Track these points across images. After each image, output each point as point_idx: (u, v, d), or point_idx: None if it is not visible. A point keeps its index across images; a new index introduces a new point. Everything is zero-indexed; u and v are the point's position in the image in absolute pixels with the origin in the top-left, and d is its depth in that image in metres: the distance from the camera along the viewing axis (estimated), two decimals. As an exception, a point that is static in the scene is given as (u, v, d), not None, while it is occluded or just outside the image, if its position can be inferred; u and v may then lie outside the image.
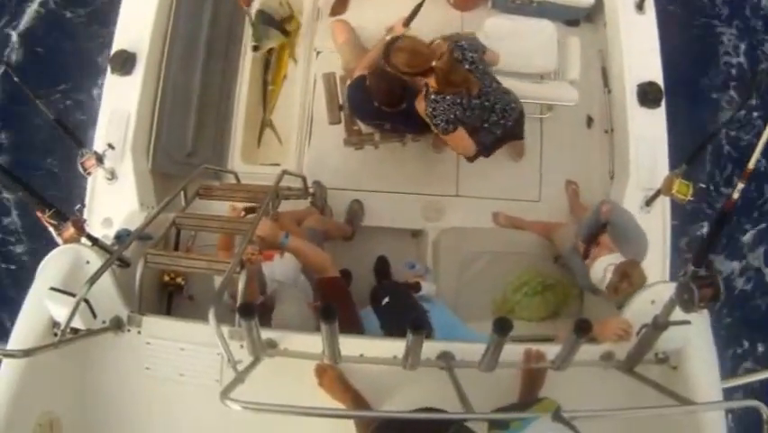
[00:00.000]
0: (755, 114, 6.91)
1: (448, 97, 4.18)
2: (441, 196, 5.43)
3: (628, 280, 3.65)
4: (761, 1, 7.48)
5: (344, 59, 5.20)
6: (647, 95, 4.93)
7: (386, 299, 3.64)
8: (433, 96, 4.20)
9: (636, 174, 4.78)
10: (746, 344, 6.65)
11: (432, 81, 4.15)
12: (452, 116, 4.22)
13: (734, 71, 7.25)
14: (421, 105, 4.33)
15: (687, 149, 4.48)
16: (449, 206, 5.40)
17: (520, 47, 5.14)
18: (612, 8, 5.35)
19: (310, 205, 5.15)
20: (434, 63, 4.05)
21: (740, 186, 3.03)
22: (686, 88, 6.81)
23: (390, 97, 4.40)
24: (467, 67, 4.22)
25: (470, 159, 4.76)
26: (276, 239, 3.68)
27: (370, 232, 5.38)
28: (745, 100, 6.63)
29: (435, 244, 5.09)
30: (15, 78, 4.06)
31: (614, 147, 5.31)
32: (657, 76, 5.00)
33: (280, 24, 5.69)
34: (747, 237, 6.82)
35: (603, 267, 3.88)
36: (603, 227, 4.21)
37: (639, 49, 5.10)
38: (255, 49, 5.58)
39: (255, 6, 5.57)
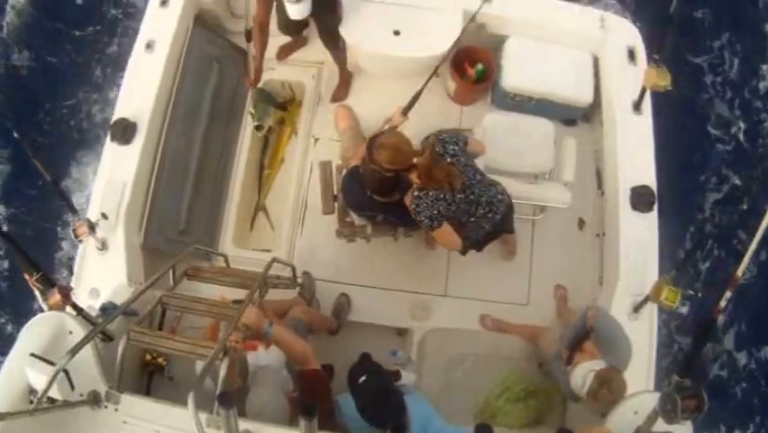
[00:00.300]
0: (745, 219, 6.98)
1: (431, 193, 4.16)
2: (429, 295, 5.38)
3: (608, 387, 3.60)
4: (758, 110, 7.68)
5: (343, 146, 5.25)
6: (640, 198, 4.95)
7: (363, 378, 3.55)
8: (416, 193, 4.19)
9: (626, 279, 4.75)
10: (723, 430, 6.59)
11: (414, 177, 4.14)
12: (435, 212, 4.20)
13: (727, 176, 7.36)
14: (408, 200, 4.35)
15: (676, 253, 4.48)
16: (436, 305, 5.35)
17: (517, 145, 5.20)
18: (609, 108, 5.41)
19: (298, 295, 5.11)
20: (415, 160, 4.06)
21: (727, 294, 3.03)
22: (678, 192, 6.87)
23: (382, 186, 4.37)
24: (448, 160, 4.20)
25: (462, 252, 4.76)
26: (260, 328, 3.64)
27: (356, 327, 5.31)
28: (738, 202, 6.68)
29: (421, 344, 5.03)
30: (16, 135, 4.05)
31: (604, 251, 5.31)
32: (651, 179, 5.04)
33: (281, 104, 5.79)
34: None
35: (583, 373, 3.79)
36: (588, 333, 4.13)
37: (634, 150, 5.14)
38: (258, 128, 5.67)
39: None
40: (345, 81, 5.95)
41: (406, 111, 4.81)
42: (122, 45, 7.44)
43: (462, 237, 4.53)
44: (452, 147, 4.25)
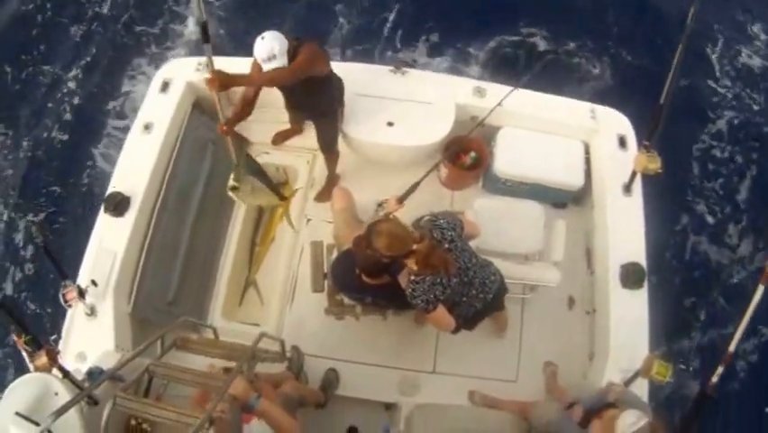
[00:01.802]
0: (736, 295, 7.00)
1: (428, 279, 4.17)
2: (417, 371, 5.35)
3: None
4: (748, 186, 7.83)
5: (336, 226, 5.27)
6: (630, 275, 5.00)
7: None
8: (413, 278, 4.20)
9: (616, 355, 4.76)
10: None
11: (411, 263, 4.14)
12: (431, 296, 4.21)
13: (718, 253, 7.40)
14: (403, 282, 4.35)
15: (667, 328, 4.47)
16: (425, 382, 5.31)
17: (508, 228, 5.26)
18: (600, 191, 5.52)
19: (286, 369, 5.07)
20: (414, 246, 4.06)
21: (720, 370, 3.03)
22: (668, 268, 6.95)
23: (374, 268, 4.36)
24: (446, 246, 4.24)
25: (454, 332, 4.75)
26: (246, 399, 3.62)
27: (344, 401, 5.25)
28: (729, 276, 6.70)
29: (409, 420, 4.96)
30: (11, 194, 4.10)
31: (594, 328, 5.32)
32: (640, 257, 5.10)
33: (276, 187, 5.78)
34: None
35: (638, 415, 3.72)
36: (609, 405, 4.07)
37: (624, 230, 5.22)
38: (233, 189, 5.07)
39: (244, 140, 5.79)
40: (331, 184, 6.03)
41: (402, 199, 4.86)
42: (118, 124, 7.64)
43: (454, 315, 4.53)
44: (449, 233, 4.28)
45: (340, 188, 5.46)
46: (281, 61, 4.64)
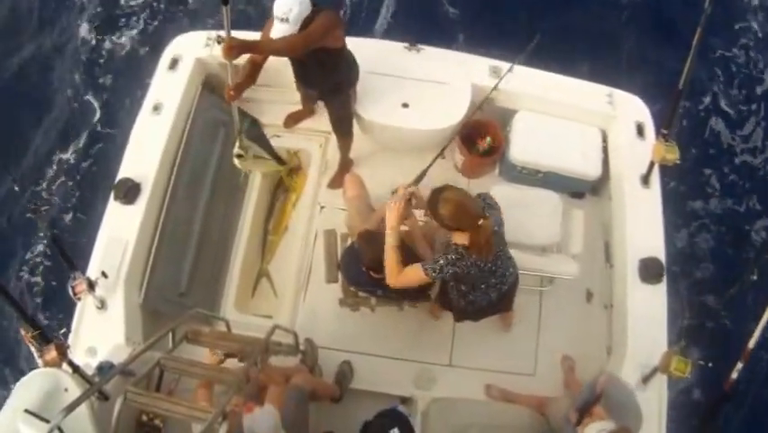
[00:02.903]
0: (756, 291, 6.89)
1: (473, 257, 4.01)
2: (433, 364, 5.28)
3: None
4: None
5: (349, 215, 5.18)
6: (649, 270, 4.93)
7: (395, 430, 3.40)
8: (461, 251, 3.98)
9: (634, 351, 4.70)
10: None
11: (462, 238, 3.97)
12: (460, 272, 4.04)
13: (736, 247, 7.26)
14: (428, 252, 4.30)
15: (686, 323, 4.40)
16: (441, 375, 5.24)
17: (524, 218, 5.13)
18: (618, 181, 5.43)
19: (300, 362, 4.99)
20: (480, 222, 3.88)
21: (739, 366, 2.95)
22: (686, 262, 6.83)
23: (379, 264, 4.27)
24: (495, 228, 4.10)
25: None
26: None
27: (359, 395, 5.17)
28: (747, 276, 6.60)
29: (425, 414, 4.89)
30: (17, 188, 4.03)
31: (612, 323, 5.25)
32: (659, 251, 5.02)
33: (274, 152, 5.63)
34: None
35: (596, 430, 3.71)
36: (598, 398, 4.03)
37: (643, 223, 5.15)
38: (238, 157, 5.16)
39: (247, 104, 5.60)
40: (344, 169, 5.91)
41: (414, 184, 4.69)
42: (126, 106, 7.49)
43: (467, 301, 4.47)
44: (498, 216, 4.18)
45: (351, 175, 5.36)
46: (293, 28, 4.46)
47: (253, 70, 4.84)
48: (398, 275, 4.13)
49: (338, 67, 5.02)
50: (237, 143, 5.06)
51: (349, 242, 5.08)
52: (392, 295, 4.80)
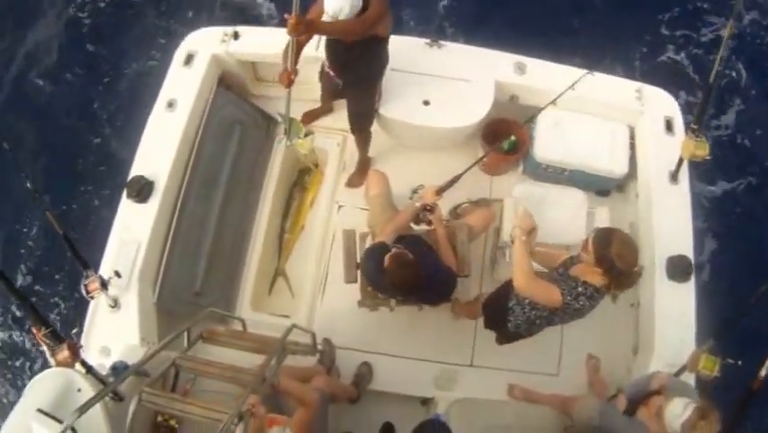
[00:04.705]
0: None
1: (601, 299, 3.97)
2: (454, 365, 5.19)
3: (708, 419, 3.56)
4: None
5: (372, 213, 5.08)
6: (676, 268, 4.85)
7: None
8: (592, 292, 3.90)
9: (661, 349, 4.65)
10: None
11: (598, 279, 3.86)
12: (583, 309, 3.98)
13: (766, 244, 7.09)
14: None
15: (714, 322, 4.31)
16: (462, 375, 5.15)
17: (549, 216, 5.03)
18: (645, 179, 5.34)
19: (317, 363, 4.92)
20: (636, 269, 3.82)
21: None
22: (715, 261, 6.67)
23: (406, 288, 4.21)
24: None
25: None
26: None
27: (377, 396, 5.10)
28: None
29: (446, 415, 4.80)
30: (29, 185, 3.97)
31: (639, 321, 5.16)
32: (688, 249, 4.94)
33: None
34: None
35: (684, 404, 3.68)
36: (653, 393, 4.03)
37: (671, 221, 5.07)
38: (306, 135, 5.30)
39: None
40: (363, 168, 5.83)
41: (441, 191, 4.70)
42: (140, 102, 7.39)
43: (533, 328, 4.43)
44: None
45: (375, 172, 5.24)
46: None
47: (299, 49, 4.66)
48: (531, 279, 4.00)
49: (378, 56, 4.92)
50: (298, 125, 5.15)
51: (369, 242, 4.98)
52: (411, 299, 4.78)
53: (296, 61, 4.59)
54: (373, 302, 4.96)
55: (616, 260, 3.70)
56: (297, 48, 4.57)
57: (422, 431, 3.38)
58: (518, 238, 4.05)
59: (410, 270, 4.11)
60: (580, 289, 3.89)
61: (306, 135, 5.22)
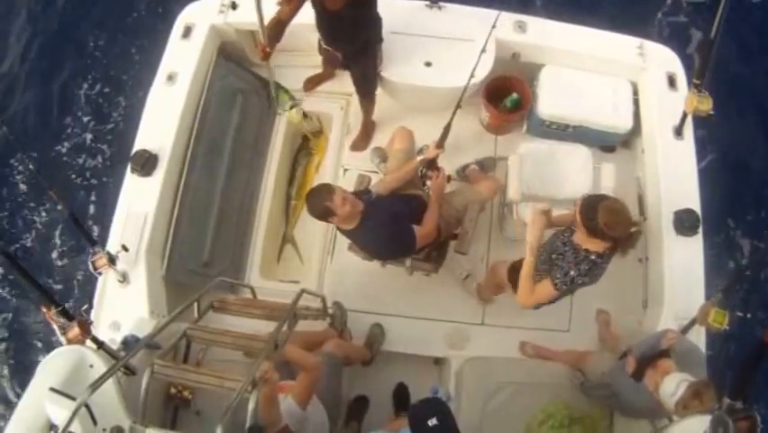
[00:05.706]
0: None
1: (606, 264, 3.94)
2: (466, 324, 5.20)
3: (701, 398, 3.50)
4: None
5: (391, 166, 5.03)
6: (684, 222, 4.82)
7: (433, 420, 3.28)
8: (594, 259, 3.87)
9: (671, 303, 4.63)
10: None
11: (597, 246, 3.84)
12: (589, 281, 3.97)
13: None
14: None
15: (723, 275, 4.27)
16: (474, 334, 5.16)
17: (554, 172, 5.06)
18: (650, 134, 5.31)
19: (329, 326, 4.93)
20: (633, 229, 3.77)
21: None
22: (723, 214, 6.67)
23: (314, 212, 4.27)
24: None
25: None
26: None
27: (390, 357, 5.13)
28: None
29: (459, 374, 4.83)
30: (31, 167, 3.97)
31: (648, 276, 5.16)
32: (695, 203, 4.92)
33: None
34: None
35: (677, 381, 3.64)
36: (663, 352, 3.98)
37: (677, 175, 5.04)
38: (292, 107, 5.64)
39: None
40: (366, 131, 5.82)
41: (440, 144, 4.73)
42: (139, 76, 7.34)
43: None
44: None
45: (403, 128, 5.18)
46: None
47: (280, 27, 4.70)
48: (531, 295, 4.08)
49: (370, 22, 4.90)
50: (285, 97, 5.52)
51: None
52: (418, 257, 4.79)
53: (276, 37, 4.67)
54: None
55: (606, 230, 3.67)
56: (278, 24, 4.62)
57: (416, 411, 3.33)
58: (529, 253, 4.01)
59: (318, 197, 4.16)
60: (584, 266, 3.88)
61: (291, 108, 5.37)
